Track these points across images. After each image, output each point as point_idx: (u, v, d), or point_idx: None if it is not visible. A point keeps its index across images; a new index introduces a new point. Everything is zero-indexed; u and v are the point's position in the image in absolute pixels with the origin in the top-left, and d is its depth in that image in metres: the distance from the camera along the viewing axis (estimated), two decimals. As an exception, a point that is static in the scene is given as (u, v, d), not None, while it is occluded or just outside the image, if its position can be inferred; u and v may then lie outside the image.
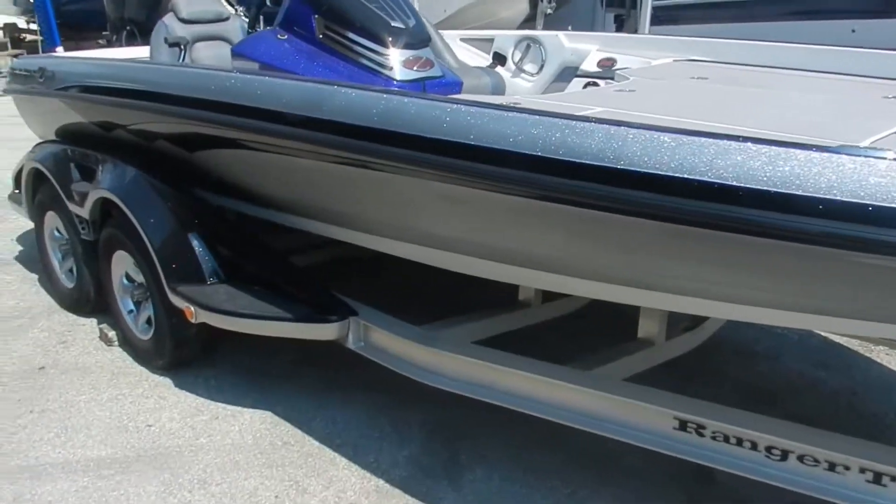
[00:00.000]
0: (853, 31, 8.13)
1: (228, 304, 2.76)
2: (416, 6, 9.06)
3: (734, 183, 1.60)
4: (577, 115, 1.91)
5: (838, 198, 1.49)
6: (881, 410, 3.03)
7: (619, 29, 13.35)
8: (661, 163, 1.67)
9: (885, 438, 2.80)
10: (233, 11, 3.77)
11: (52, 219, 3.87)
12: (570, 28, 4.81)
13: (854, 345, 3.47)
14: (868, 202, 1.47)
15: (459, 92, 2.94)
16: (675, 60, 3.66)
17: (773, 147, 1.58)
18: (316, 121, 2.26)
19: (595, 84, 3.54)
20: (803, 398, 3.12)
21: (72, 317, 3.80)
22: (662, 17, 8.70)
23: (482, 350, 2.50)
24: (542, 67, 4.31)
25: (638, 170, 1.69)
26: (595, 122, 1.82)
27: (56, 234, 3.92)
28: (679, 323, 2.86)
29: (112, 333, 3.50)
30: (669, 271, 1.92)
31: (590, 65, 3.99)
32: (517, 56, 4.39)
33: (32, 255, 4.59)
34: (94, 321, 3.73)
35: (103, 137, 3.37)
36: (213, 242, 2.95)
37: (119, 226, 3.20)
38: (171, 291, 2.89)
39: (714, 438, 2.02)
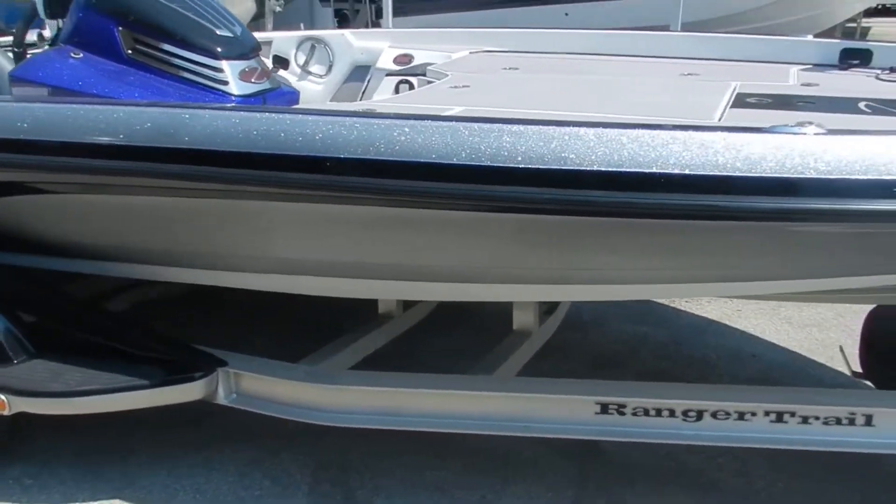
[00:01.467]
0: (566, 14, 9.07)
1: (55, 384, 2.25)
2: None
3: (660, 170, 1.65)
4: (480, 117, 1.84)
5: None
6: (704, 354, 3.41)
7: (342, 24, 13.49)
8: (593, 157, 1.67)
9: (716, 377, 3.17)
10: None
11: None
12: (301, 26, 4.69)
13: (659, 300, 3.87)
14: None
15: (298, 102, 2.69)
16: (471, 52, 3.74)
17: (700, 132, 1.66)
18: (163, 150, 1.91)
19: (407, 82, 3.47)
20: (640, 355, 3.41)
21: None
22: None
23: (378, 375, 2.34)
24: (330, 68, 4.15)
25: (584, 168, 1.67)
26: (504, 122, 1.77)
27: None
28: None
29: None
30: (586, 262, 1.96)
31: (386, 62, 3.92)
32: (301, 58, 4.17)
33: None
34: None
35: None
36: (11, 311, 2.39)
37: None
38: (-34, 382, 2.29)
39: (635, 414, 2.10)
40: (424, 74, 3.37)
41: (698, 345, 3.51)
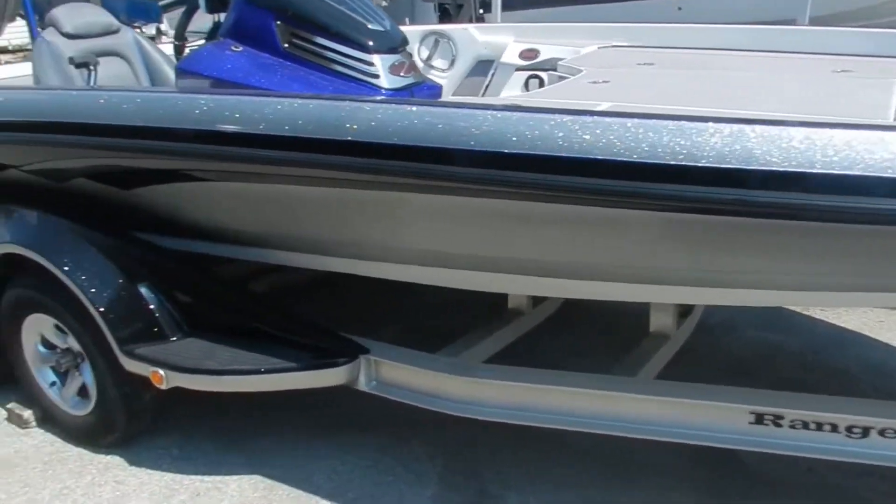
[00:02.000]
0: (679, 8, 8.76)
1: (209, 362, 2.35)
2: None
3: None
4: (649, 113, 1.79)
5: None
6: (845, 366, 3.23)
7: (443, 19, 13.50)
8: (768, 155, 1.60)
9: (858, 391, 2.99)
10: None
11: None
12: (406, 21, 4.69)
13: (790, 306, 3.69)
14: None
15: (440, 96, 2.71)
16: (599, 48, 3.66)
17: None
18: (320, 142, 1.96)
19: (537, 77, 3.43)
20: (775, 363, 3.25)
21: (-47, 398, 3.11)
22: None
23: (519, 371, 2.32)
24: (453, 62, 4.16)
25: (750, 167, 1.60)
26: (670, 118, 1.71)
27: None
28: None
29: (27, 413, 2.90)
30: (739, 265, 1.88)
31: (511, 57, 3.89)
32: (424, 52, 4.19)
33: None
34: (-10, 400, 3.09)
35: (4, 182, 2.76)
36: (169, 291, 2.51)
37: (32, 285, 2.65)
38: (127, 356, 2.42)
39: (793, 427, 2.00)
40: (555, 69, 3.32)
41: (838, 356, 3.32)
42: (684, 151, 1.61)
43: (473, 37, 4.13)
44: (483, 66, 4.12)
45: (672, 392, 2.12)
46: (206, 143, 2.17)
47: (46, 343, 2.77)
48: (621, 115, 1.79)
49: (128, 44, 3.21)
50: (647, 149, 1.65)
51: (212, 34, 2.90)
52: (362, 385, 2.40)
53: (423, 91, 2.59)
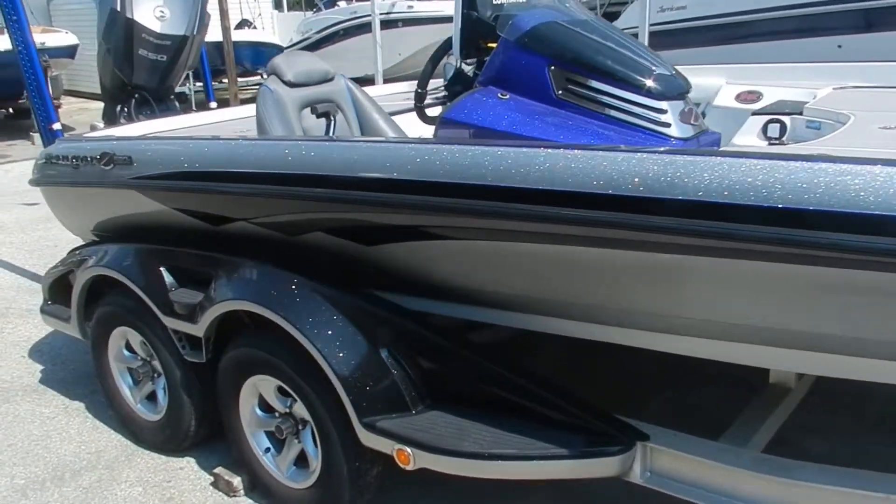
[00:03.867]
0: (839, 46, 8.22)
1: (466, 443, 2.09)
2: (378, 53, 8.54)
3: None
4: None
5: None
6: None
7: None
8: None
9: None
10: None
11: (119, 336, 3.07)
12: None
13: None
14: None
15: (720, 145, 2.42)
16: (835, 88, 3.29)
17: None
18: (615, 199, 1.70)
19: (778, 122, 3.08)
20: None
21: (161, 458, 2.98)
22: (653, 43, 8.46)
23: (841, 472, 1.95)
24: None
25: None
26: None
27: (125, 354, 3.11)
28: None
29: (236, 480, 2.72)
30: None
31: (726, 99, 3.57)
32: None
33: (66, 377, 3.72)
34: (193, 462, 2.94)
35: (215, 234, 2.64)
36: (414, 356, 2.28)
37: (259, 344, 2.48)
38: (367, 428, 2.19)
39: None
40: (800, 113, 2.97)
41: None
42: None
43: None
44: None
45: None
46: (477, 198, 1.94)
47: (265, 406, 2.60)
48: None
49: (341, 91, 3.08)
50: None
51: (454, 81, 2.72)
52: (635, 476, 2.08)
53: (707, 140, 2.30)
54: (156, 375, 3.03)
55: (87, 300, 3.14)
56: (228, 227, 2.61)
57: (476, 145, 1.98)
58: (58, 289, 3.36)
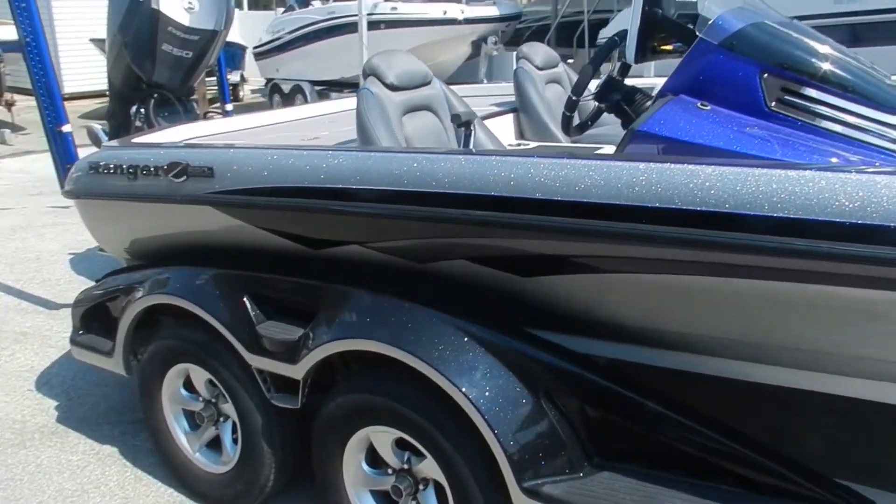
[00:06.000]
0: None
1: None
2: (364, 55, 8.19)
3: None
4: None
5: None
6: None
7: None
8: None
9: None
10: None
11: (178, 374, 2.64)
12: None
13: None
14: None
15: None
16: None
17: None
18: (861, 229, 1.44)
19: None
20: None
21: (228, 517, 2.57)
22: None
23: None
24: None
25: None
26: None
27: (184, 394, 2.68)
28: None
29: (335, 544, 2.34)
30: None
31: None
32: None
33: (86, 416, 3.24)
34: (269, 521, 2.54)
35: (318, 258, 2.27)
36: (581, 407, 1.96)
37: (379, 390, 2.12)
38: (530, 495, 1.85)
39: None
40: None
41: None
42: None
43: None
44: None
45: None
46: (690, 225, 1.65)
47: (375, 461, 2.23)
48: None
49: (437, 95, 2.74)
50: None
51: (609, 89, 2.40)
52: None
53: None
54: (221, 420, 2.62)
55: (135, 332, 2.70)
56: (336, 251, 2.23)
57: (692, 163, 1.67)
58: (93, 317, 2.90)
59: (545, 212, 1.84)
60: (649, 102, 2.33)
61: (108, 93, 4.53)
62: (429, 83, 2.75)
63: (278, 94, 12.83)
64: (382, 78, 2.57)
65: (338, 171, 2.11)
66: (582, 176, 1.80)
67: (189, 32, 3.91)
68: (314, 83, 12.23)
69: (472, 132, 2.40)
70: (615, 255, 1.81)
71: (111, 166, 2.66)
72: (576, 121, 2.87)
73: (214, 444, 2.67)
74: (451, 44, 11.14)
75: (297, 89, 12.42)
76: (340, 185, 2.09)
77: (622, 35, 2.32)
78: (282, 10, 14.80)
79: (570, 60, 13.29)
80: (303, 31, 12.44)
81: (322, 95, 12.16)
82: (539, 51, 3.75)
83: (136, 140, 2.93)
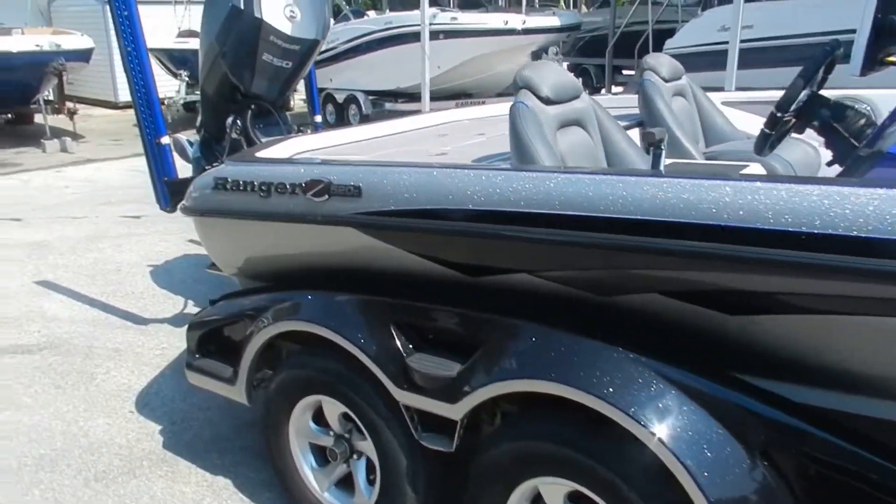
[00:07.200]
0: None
1: None
2: (427, 66, 8.03)
3: None
4: None
5: None
6: None
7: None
8: None
9: None
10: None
11: (308, 406, 2.47)
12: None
13: None
14: None
15: None
16: None
17: None
18: None
19: None
20: None
21: (361, 562, 2.38)
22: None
23: None
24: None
25: None
26: None
27: (313, 427, 2.51)
28: None
29: None
30: None
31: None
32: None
33: (192, 442, 3.09)
34: (405, 568, 2.34)
35: (476, 287, 2.08)
36: (807, 470, 1.74)
37: (554, 437, 1.91)
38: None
39: None
40: None
41: None
42: None
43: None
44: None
45: None
46: None
47: (543, 514, 2.03)
48: None
49: (587, 109, 2.55)
50: None
51: (814, 104, 2.18)
52: None
53: None
54: (354, 457, 2.44)
55: (259, 360, 2.54)
56: (499, 279, 2.04)
57: None
58: (210, 340, 2.74)
59: (771, 244, 1.62)
60: (863, 120, 2.11)
61: (198, 104, 4.40)
62: (579, 96, 2.55)
63: (331, 103, 12.75)
64: (536, 91, 2.39)
65: (515, 194, 1.92)
66: (825, 208, 1.58)
67: (291, 42, 3.77)
68: (368, 93, 12.13)
69: (662, 152, 2.20)
70: (856, 294, 1.59)
71: (240, 182, 2.51)
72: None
73: (344, 483, 2.49)
74: (511, 54, 10.95)
75: (352, 99, 12.33)
76: (521, 209, 1.89)
77: (834, 45, 2.10)
78: (335, 20, 14.76)
79: (632, 71, 13.05)
80: (358, 42, 12.36)
81: (376, 106, 12.06)
82: (664, 62, 3.54)
83: (259, 154, 2.77)
